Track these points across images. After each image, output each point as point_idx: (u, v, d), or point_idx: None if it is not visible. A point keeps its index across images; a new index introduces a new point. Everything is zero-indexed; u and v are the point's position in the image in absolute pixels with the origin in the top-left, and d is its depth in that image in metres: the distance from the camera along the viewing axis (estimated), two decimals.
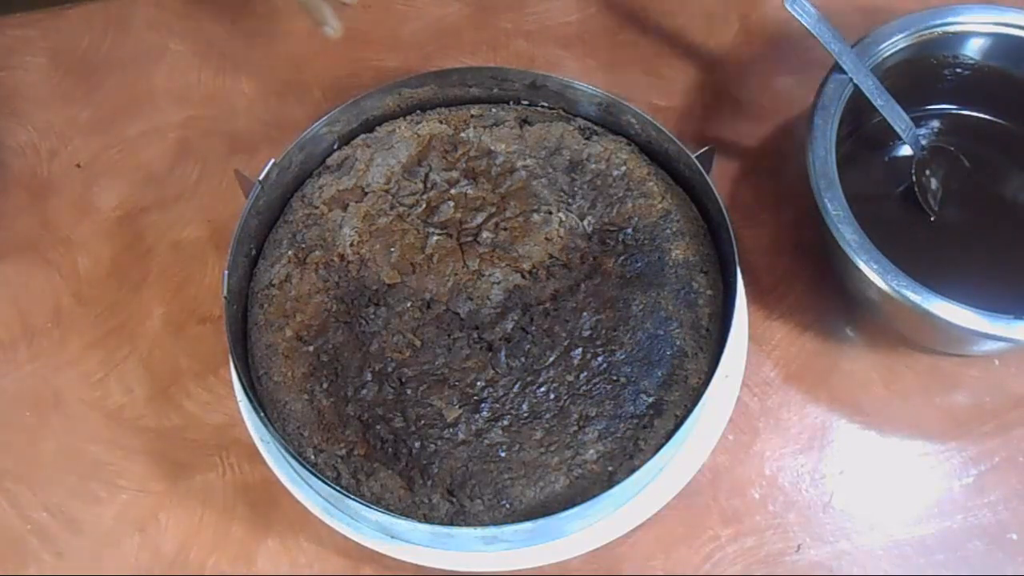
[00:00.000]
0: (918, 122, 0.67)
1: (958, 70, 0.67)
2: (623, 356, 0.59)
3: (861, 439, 0.64)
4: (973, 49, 0.66)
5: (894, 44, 0.65)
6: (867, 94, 0.63)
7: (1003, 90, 0.67)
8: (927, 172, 0.65)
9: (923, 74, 0.67)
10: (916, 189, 0.65)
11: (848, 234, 0.58)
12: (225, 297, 0.59)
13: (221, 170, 0.73)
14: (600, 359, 0.59)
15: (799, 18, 0.63)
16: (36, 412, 0.66)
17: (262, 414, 0.57)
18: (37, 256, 0.71)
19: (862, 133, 0.68)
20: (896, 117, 0.65)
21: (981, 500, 0.61)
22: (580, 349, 0.59)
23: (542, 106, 0.68)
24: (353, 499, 0.53)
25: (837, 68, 0.63)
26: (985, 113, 0.69)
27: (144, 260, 0.71)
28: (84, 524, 0.63)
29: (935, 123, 0.69)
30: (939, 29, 0.65)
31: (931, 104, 0.69)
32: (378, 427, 0.58)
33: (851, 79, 0.63)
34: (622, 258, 0.62)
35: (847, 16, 0.72)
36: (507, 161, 0.65)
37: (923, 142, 0.66)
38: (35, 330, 0.68)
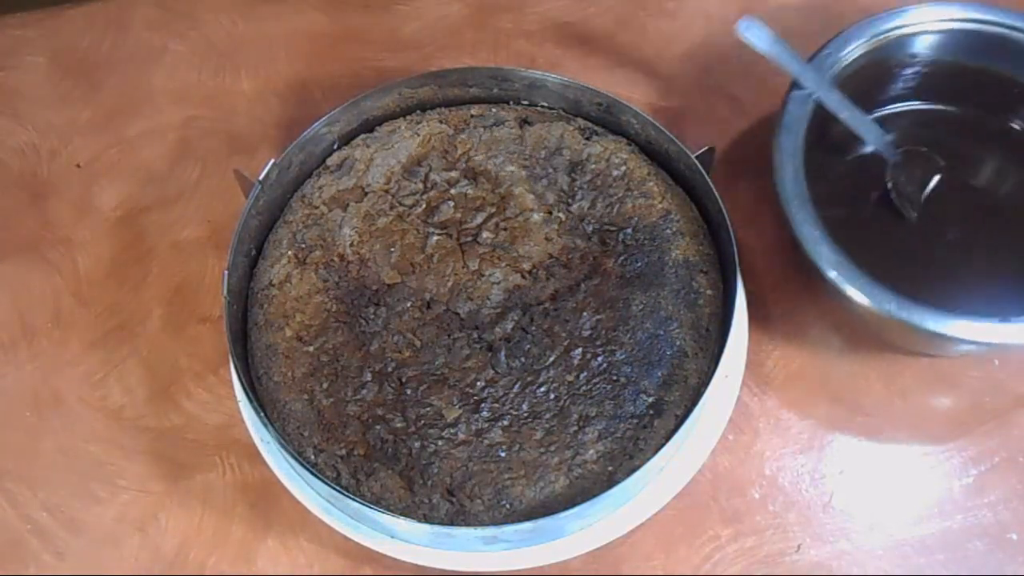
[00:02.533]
0: (885, 121, 0.66)
1: (918, 68, 0.67)
2: (623, 356, 0.59)
3: (861, 439, 0.64)
4: (928, 46, 0.66)
5: (851, 53, 0.64)
6: (832, 110, 0.63)
7: (963, 82, 0.67)
8: (902, 176, 0.65)
9: (884, 75, 0.67)
10: (893, 195, 0.65)
11: (827, 255, 0.57)
12: (225, 297, 0.59)
13: (221, 170, 0.73)
14: (600, 359, 0.59)
15: (754, 45, 0.62)
16: (36, 412, 0.66)
17: (262, 414, 0.57)
18: (37, 256, 0.71)
19: (830, 138, 0.67)
20: (864, 128, 0.64)
21: (981, 500, 0.61)
22: (580, 349, 0.59)
23: (542, 106, 0.68)
24: (353, 499, 0.53)
25: (796, 85, 0.63)
26: (951, 106, 0.69)
27: (144, 260, 0.71)
28: (84, 524, 0.63)
29: (903, 121, 0.69)
30: (893, 33, 0.65)
31: (896, 103, 0.69)
32: (378, 427, 0.58)
33: (813, 96, 0.62)
34: (622, 258, 0.62)
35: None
36: (507, 161, 0.65)
37: (893, 146, 0.65)
38: (35, 330, 0.69)
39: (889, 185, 0.65)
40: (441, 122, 0.67)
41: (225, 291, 0.59)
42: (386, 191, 0.65)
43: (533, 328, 0.60)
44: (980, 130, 0.68)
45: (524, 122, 0.67)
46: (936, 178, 0.65)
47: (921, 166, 0.65)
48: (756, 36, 0.62)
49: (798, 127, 0.62)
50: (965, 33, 0.66)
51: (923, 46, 0.66)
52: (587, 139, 0.66)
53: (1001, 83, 0.66)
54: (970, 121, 0.68)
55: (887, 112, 0.69)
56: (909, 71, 0.68)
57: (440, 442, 0.57)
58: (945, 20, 0.65)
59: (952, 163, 0.66)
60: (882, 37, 0.65)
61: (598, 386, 0.58)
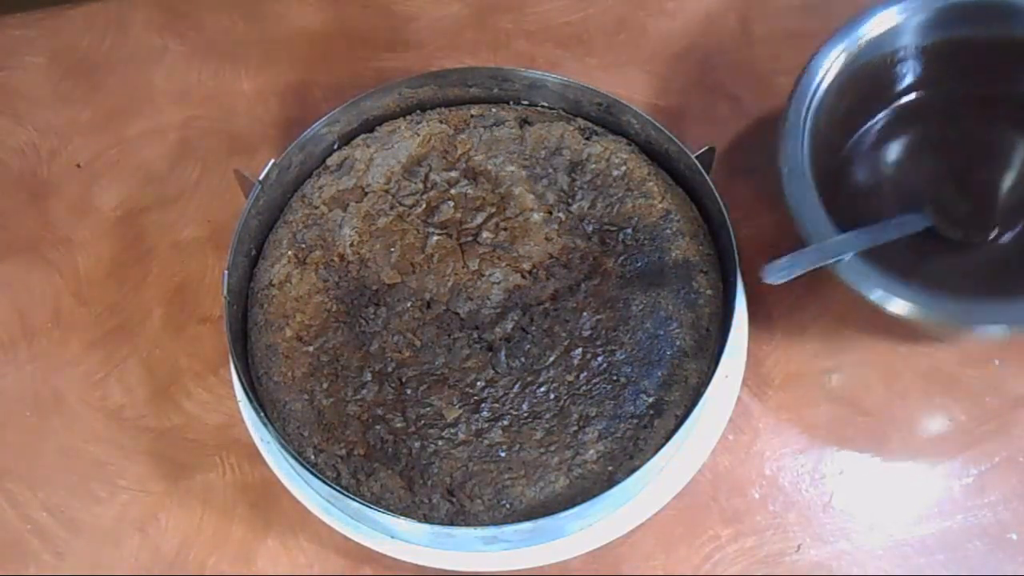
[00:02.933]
0: (900, 117, 0.64)
1: (908, 58, 0.64)
2: (623, 356, 0.59)
3: (861, 439, 0.64)
4: (909, 35, 0.63)
5: (827, 76, 0.61)
6: (874, 244, 0.58)
7: (964, 58, 0.64)
8: (940, 208, 0.63)
9: (877, 78, 0.64)
10: (955, 236, 0.62)
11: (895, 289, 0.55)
12: (225, 297, 0.59)
13: (221, 170, 0.73)
14: (600, 359, 0.59)
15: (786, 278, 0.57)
16: (36, 412, 0.66)
17: (262, 414, 0.57)
18: (37, 256, 0.71)
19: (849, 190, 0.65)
20: (908, 228, 0.61)
21: (981, 500, 0.61)
22: (580, 349, 0.59)
23: (542, 106, 0.68)
24: (353, 499, 0.53)
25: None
26: (958, 83, 0.65)
27: (144, 260, 0.71)
28: (84, 524, 0.63)
29: (909, 115, 0.66)
30: (864, 38, 0.61)
31: (898, 98, 0.66)
32: (378, 427, 0.58)
33: (849, 258, 0.57)
34: (622, 258, 0.62)
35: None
36: (507, 161, 0.65)
37: (926, 214, 0.62)
38: (35, 330, 0.69)
39: (933, 225, 0.62)
40: (441, 122, 0.67)
41: (225, 291, 0.59)
42: (386, 191, 0.65)
43: (533, 328, 0.60)
44: (991, 104, 0.65)
45: (524, 122, 0.67)
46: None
47: (951, 186, 0.63)
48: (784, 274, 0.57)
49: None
50: (939, 10, 0.62)
51: (904, 37, 0.63)
52: (587, 139, 0.66)
53: (999, 48, 0.63)
54: (982, 98, 0.65)
55: (890, 108, 0.66)
56: (902, 63, 0.64)
57: (440, 442, 0.57)
58: (914, 9, 0.62)
59: (974, 159, 0.63)
60: (856, 45, 0.61)
61: (598, 386, 0.58)
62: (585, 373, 0.59)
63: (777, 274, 0.56)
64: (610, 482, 0.56)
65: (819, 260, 0.56)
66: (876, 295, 0.56)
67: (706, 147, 0.62)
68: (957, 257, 0.63)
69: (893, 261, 0.57)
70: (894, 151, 0.66)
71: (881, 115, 0.66)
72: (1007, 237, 0.63)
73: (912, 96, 0.67)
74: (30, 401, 0.66)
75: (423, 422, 0.57)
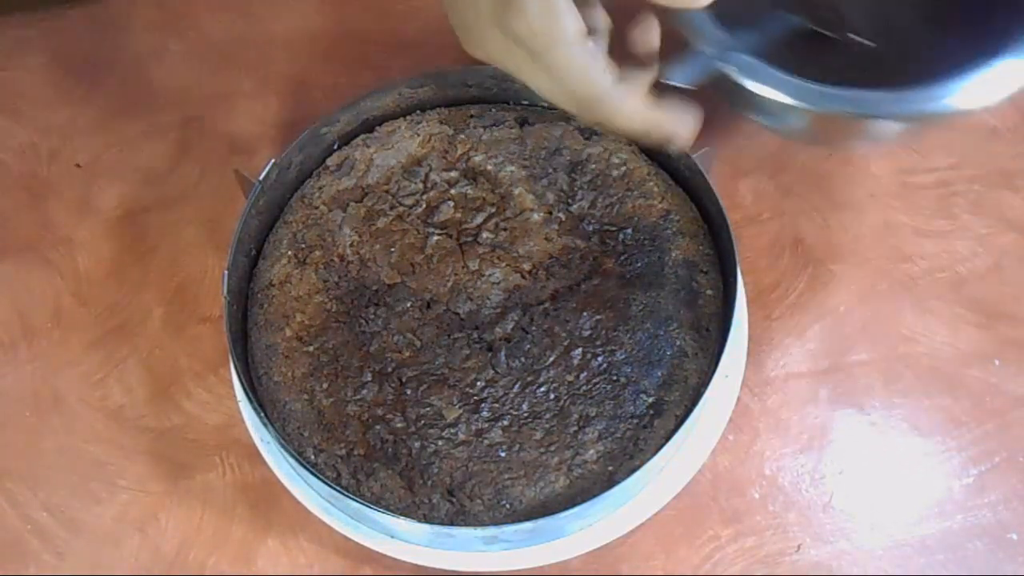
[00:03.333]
0: None
1: None
2: (623, 356, 0.59)
3: (861, 439, 0.64)
4: None
5: None
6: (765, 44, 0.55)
7: None
8: (808, 9, 0.59)
9: None
10: (812, 24, 0.59)
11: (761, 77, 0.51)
12: (225, 297, 0.59)
13: (221, 170, 0.74)
14: (600, 359, 0.59)
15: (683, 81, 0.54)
16: (36, 412, 0.66)
17: (262, 414, 0.57)
18: (37, 256, 0.71)
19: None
20: (785, 23, 0.58)
21: (981, 500, 0.61)
22: (580, 349, 0.59)
23: (542, 106, 0.68)
24: (353, 499, 0.53)
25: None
26: None
27: (144, 260, 0.71)
28: (84, 524, 0.63)
29: None
30: None
31: None
32: (378, 427, 0.58)
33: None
34: (622, 258, 0.62)
35: None
36: (507, 161, 0.65)
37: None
38: (35, 330, 0.69)
39: (824, 29, 0.58)
40: (441, 122, 0.67)
41: (225, 291, 0.59)
42: (386, 191, 0.65)
43: (533, 328, 0.60)
44: None
45: (524, 122, 0.67)
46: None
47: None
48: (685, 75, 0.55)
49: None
50: None
51: None
52: (587, 139, 0.66)
53: None
54: None
55: None
56: None
57: (440, 442, 0.57)
58: None
59: None
60: None
61: (598, 386, 0.58)
62: (585, 373, 0.59)
63: (679, 72, 0.54)
64: (610, 482, 0.55)
65: (715, 56, 0.54)
66: (773, 93, 0.52)
67: (706, 147, 0.62)
68: (836, 61, 0.59)
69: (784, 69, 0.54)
70: None
71: None
72: (878, 41, 0.59)
73: None
74: (30, 401, 0.66)
75: (423, 422, 0.57)
